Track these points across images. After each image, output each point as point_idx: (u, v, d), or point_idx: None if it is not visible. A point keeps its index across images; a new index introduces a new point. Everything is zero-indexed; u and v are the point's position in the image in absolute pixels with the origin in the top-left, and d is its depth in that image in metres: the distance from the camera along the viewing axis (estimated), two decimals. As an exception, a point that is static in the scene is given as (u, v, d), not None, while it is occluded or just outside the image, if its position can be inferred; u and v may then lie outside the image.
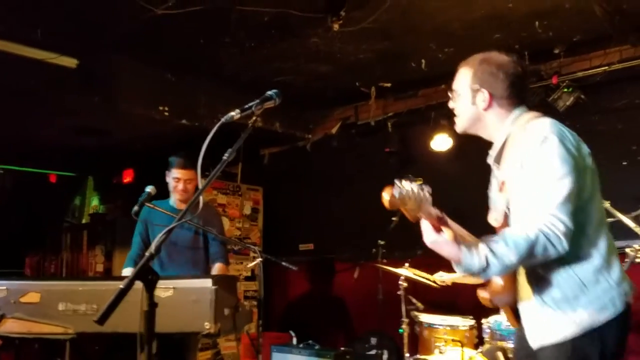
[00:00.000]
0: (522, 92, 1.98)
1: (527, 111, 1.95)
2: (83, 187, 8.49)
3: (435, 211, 1.76)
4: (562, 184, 1.71)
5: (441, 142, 5.17)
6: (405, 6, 3.84)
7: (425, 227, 1.77)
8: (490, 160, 2.04)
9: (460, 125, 2.06)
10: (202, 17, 3.95)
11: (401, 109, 5.58)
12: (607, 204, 3.37)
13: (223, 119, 1.94)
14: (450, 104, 2.09)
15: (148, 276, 1.69)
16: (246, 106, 2.01)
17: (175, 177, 3.58)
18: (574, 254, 1.74)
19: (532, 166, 1.76)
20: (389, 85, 5.38)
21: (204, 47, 4.55)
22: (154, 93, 5.01)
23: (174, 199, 3.66)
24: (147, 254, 1.69)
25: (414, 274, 4.08)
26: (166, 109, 5.06)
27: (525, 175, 1.78)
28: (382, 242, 4.71)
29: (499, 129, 1.96)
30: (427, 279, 3.94)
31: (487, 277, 1.77)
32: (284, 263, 3.45)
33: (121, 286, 1.62)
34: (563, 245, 1.65)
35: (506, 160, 1.92)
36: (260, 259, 3.28)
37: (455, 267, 1.78)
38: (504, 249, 1.66)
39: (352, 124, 5.91)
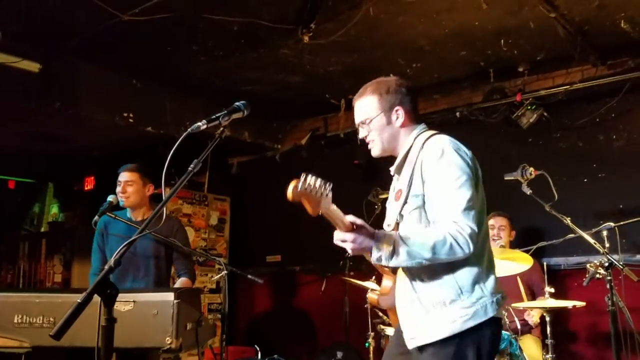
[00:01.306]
0: (418, 107, 2.15)
1: (427, 129, 2.10)
2: (42, 194, 8.26)
3: (336, 210, 1.82)
4: (463, 190, 1.85)
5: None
6: (373, 21, 3.88)
7: (338, 234, 1.83)
8: (392, 170, 2.15)
9: (378, 149, 2.10)
10: (170, 25, 3.90)
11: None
12: (567, 220, 3.44)
13: (189, 130, 1.92)
14: (361, 134, 2.13)
15: (107, 290, 1.64)
16: (213, 117, 1.99)
17: (118, 180, 3.50)
18: (459, 262, 1.86)
19: (434, 177, 1.89)
20: (358, 98, 5.41)
21: (171, 54, 4.50)
22: (119, 99, 4.92)
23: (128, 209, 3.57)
24: (106, 267, 1.64)
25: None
26: (131, 115, 4.97)
27: (428, 186, 1.91)
28: (348, 255, 4.70)
29: (405, 143, 2.07)
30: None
31: (393, 264, 1.82)
32: (249, 276, 3.40)
33: (79, 300, 1.57)
34: (469, 247, 1.78)
35: (404, 172, 2.03)
36: (225, 272, 3.24)
37: (367, 256, 1.86)
38: (416, 244, 1.78)
39: (322, 135, 5.92)
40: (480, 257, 1.92)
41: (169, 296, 2.60)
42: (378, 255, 1.79)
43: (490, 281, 1.92)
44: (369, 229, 1.80)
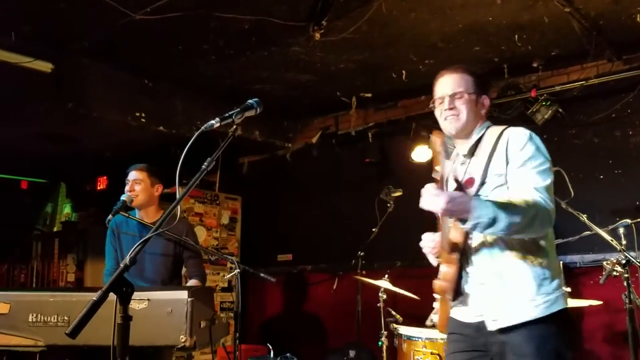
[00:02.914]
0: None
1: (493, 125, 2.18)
2: (55, 194, 8.31)
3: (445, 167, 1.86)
4: (547, 173, 1.94)
5: (421, 154, 5.18)
6: (386, 17, 3.85)
7: (432, 189, 1.83)
8: (459, 151, 2.17)
9: (461, 123, 2.10)
10: (181, 24, 3.91)
11: (381, 119, 5.59)
12: (584, 217, 3.40)
13: (203, 128, 1.91)
14: (448, 104, 2.10)
15: (122, 288, 1.64)
16: (226, 114, 1.97)
17: (128, 180, 3.51)
18: (541, 249, 1.95)
19: (522, 157, 1.94)
20: (369, 95, 5.39)
21: (182, 53, 4.50)
22: (131, 99, 4.93)
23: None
24: (121, 265, 1.64)
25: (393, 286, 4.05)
26: (143, 115, 4.99)
27: (514, 165, 1.95)
28: (361, 253, 4.68)
29: (476, 130, 2.14)
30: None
31: (489, 232, 1.84)
32: (262, 274, 3.39)
33: (94, 298, 1.56)
34: (551, 222, 1.87)
35: (478, 158, 2.07)
36: (237, 270, 3.23)
37: (459, 223, 1.86)
38: (512, 209, 1.78)
39: (333, 134, 5.90)
40: (553, 249, 2.02)
41: (183, 294, 2.59)
42: (476, 222, 1.79)
43: (562, 273, 2.03)
44: (467, 193, 1.82)
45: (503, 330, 1.92)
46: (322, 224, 5.85)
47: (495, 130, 2.08)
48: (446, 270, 1.98)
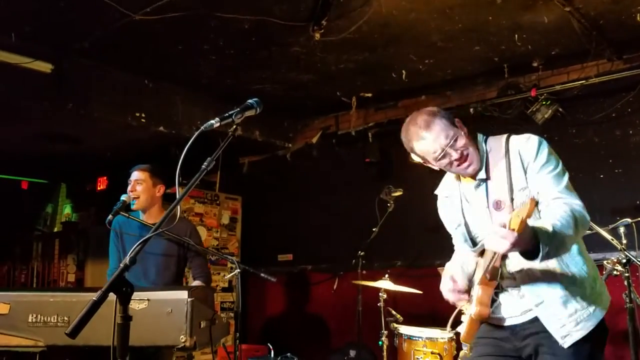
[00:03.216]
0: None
1: (485, 135, 2.15)
2: (55, 194, 8.31)
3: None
4: (564, 172, 1.96)
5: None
6: (386, 17, 3.85)
7: (502, 231, 1.72)
8: (464, 188, 2.11)
9: (477, 162, 2.03)
10: (181, 24, 3.90)
11: (382, 119, 5.59)
12: (584, 217, 3.39)
13: (203, 127, 1.90)
14: (454, 157, 2.01)
15: (122, 288, 1.63)
16: (226, 114, 1.97)
17: (130, 180, 3.50)
18: (581, 255, 1.97)
19: (539, 164, 1.94)
20: (369, 95, 5.39)
21: (182, 53, 4.49)
22: (131, 99, 4.93)
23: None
24: (121, 265, 1.63)
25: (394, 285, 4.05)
26: (143, 115, 4.99)
27: (532, 172, 1.94)
28: (361, 253, 4.68)
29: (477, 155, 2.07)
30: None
31: (557, 253, 1.82)
32: (262, 274, 3.39)
33: (94, 298, 1.56)
34: (587, 216, 1.88)
35: (497, 172, 2.01)
36: (237, 270, 3.22)
37: (523, 255, 1.79)
38: (561, 225, 1.77)
39: (333, 134, 5.90)
40: (585, 248, 2.03)
41: (183, 294, 2.59)
42: (545, 254, 1.74)
43: (598, 274, 2.03)
44: (529, 228, 1.73)
45: (572, 345, 1.91)
46: (322, 223, 5.85)
47: (497, 142, 2.04)
48: (481, 295, 1.93)
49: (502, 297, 2.02)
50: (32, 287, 7.51)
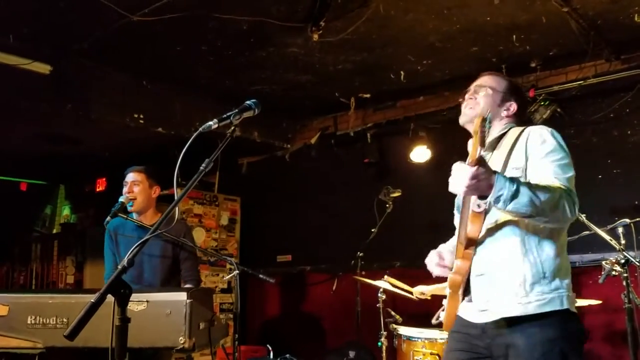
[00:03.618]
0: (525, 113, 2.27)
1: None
2: (54, 195, 8.30)
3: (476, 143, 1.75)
4: (570, 167, 1.93)
5: (420, 154, 5.19)
6: (383, 18, 3.85)
7: (459, 166, 1.76)
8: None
9: (472, 114, 2.10)
10: (179, 25, 3.90)
11: (380, 119, 5.60)
12: (582, 217, 3.40)
13: (200, 129, 1.90)
14: (469, 94, 2.17)
15: (120, 290, 1.63)
16: (224, 116, 1.97)
17: (125, 181, 3.48)
18: (548, 247, 1.92)
19: (543, 151, 1.92)
20: (368, 96, 5.40)
21: (180, 54, 4.49)
22: (129, 100, 4.93)
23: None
24: (119, 266, 1.63)
25: (393, 285, 4.05)
26: (141, 116, 4.98)
27: (535, 159, 1.93)
28: (360, 254, 4.68)
29: (496, 129, 2.12)
30: (406, 291, 3.92)
31: (511, 208, 1.74)
32: (261, 276, 3.39)
33: (92, 300, 1.56)
34: (576, 210, 1.82)
35: (498, 153, 2.06)
36: (236, 272, 3.22)
37: (477, 201, 1.81)
38: (535, 188, 1.74)
39: (331, 134, 5.90)
40: (564, 251, 1.98)
41: (182, 296, 2.58)
42: (499, 194, 1.72)
43: (569, 278, 1.96)
44: (490, 168, 1.75)
45: (509, 325, 1.89)
46: (321, 224, 5.85)
47: (518, 129, 2.08)
48: (461, 265, 1.98)
49: (471, 282, 2.01)
50: (31, 288, 7.51)
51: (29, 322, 2.70)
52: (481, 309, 1.94)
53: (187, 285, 3.45)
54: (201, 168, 1.87)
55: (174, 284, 3.48)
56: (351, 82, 5.06)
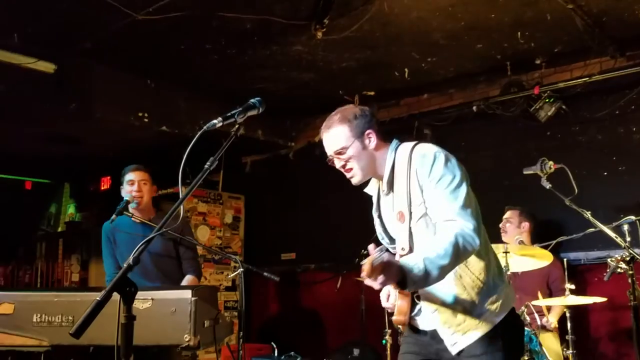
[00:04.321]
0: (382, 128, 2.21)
1: (401, 142, 2.12)
2: (59, 194, 8.33)
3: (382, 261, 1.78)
4: (459, 190, 1.92)
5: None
6: (388, 15, 3.84)
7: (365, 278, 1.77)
8: (380, 189, 2.15)
9: (359, 176, 2.11)
10: (183, 23, 3.91)
11: (384, 117, 5.58)
12: (588, 214, 3.39)
13: (205, 127, 1.89)
14: (338, 164, 2.13)
15: (126, 288, 1.64)
16: (229, 114, 1.96)
17: (130, 180, 3.47)
18: (473, 262, 1.96)
19: (431, 181, 1.94)
20: (372, 94, 5.39)
21: (184, 53, 4.50)
22: (133, 99, 4.94)
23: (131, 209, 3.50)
24: (124, 264, 1.64)
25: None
26: (145, 115, 4.99)
27: (427, 191, 1.95)
28: (364, 252, 4.66)
29: (386, 162, 2.09)
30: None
31: (428, 284, 1.84)
32: (265, 274, 3.39)
33: (98, 298, 1.57)
34: (476, 242, 1.85)
35: (399, 188, 2.04)
36: (241, 269, 3.23)
37: (401, 288, 1.84)
38: (436, 255, 1.79)
39: (335, 133, 5.88)
40: (488, 254, 2.02)
41: (187, 294, 2.60)
42: (414, 287, 1.84)
43: (502, 273, 2.07)
44: (394, 265, 1.77)
45: (460, 353, 1.97)
46: (325, 222, 5.84)
47: (404, 153, 2.04)
48: (400, 304, 2.02)
49: (422, 303, 2.06)
50: (36, 287, 7.54)
51: (34, 320, 2.72)
52: (451, 343, 1.97)
53: (189, 277, 3.46)
54: (206, 166, 1.87)
55: (176, 279, 3.48)
56: (355, 80, 5.05)
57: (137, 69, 4.83)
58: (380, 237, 2.23)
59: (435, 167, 1.94)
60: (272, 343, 5.07)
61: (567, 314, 3.63)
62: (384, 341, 4.15)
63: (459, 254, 1.82)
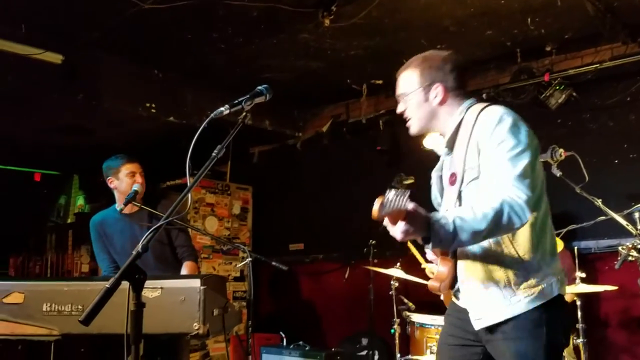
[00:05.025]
0: (466, 83, 2.07)
1: (476, 102, 2.01)
2: (68, 185, 8.37)
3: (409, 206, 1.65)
4: (521, 157, 1.77)
5: (433, 140, 5.14)
6: (396, 2, 3.81)
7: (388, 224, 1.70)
8: (441, 148, 2.08)
9: (416, 126, 2.05)
10: (190, 12, 3.89)
11: (393, 106, 5.49)
12: (598, 202, 3.36)
13: (212, 115, 1.90)
14: (399, 109, 2.09)
15: (135, 275, 1.64)
16: (236, 101, 1.97)
17: (130, 171, 3.43)
18: (523, 240, 1.83)
19: (491, 144, 1.81)
20: (380, 82, 5.35)
21: (191, 43, 4.48)
22: (141, 89, 4.94)
23: (120, 205, 3.45)
24: (134, 252, 1.64)
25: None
26: (153, 105, 4.99)
27: (484, 155, 1.83)
28: (373, 242, 4.67)
29: (451, 120, 1.99)
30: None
31: (456, 246, 1.77)
32: (273, 263, 3.39)
33: (107, 285, 1.57)
34: (526, 214, 1.70)
35: (458, 149, 1.95)
36: (249, 259, 3.23)
37: (425, 245, 1.77)
38: (472, 217, 1.68)
39: (343, 122, 5.86)
40: (543, 235, 1.87)
41: (196, 283, 2.59)
42: (438, 241, 1.69)
43: (555, 260, 1.90)
44: (421, 215, 1.65)
45: (487, 329, 1.87)
46: (333, 212, 5.83)
47: (473, 113, 1.93)
48: (440, 270, 1.96)
49: (459, 286, 1.98)
50: (46, 277, 7.59)
51: (44, 309, 2.72)
52: (475, 317, 1.89)
53: (188, 262, 3.43)
54: (213, 154, 1.87)
55: (172, 264, 3.44)
56: (363, 68, 5.02)
57: (144, 59, 4.83)
58: (433, 198, 2.14)
59: (499, 129, 1.81)
60: (281, 332, 5.08)
61: (578, 303, 3.60)
62: (392, 330, 4.14)
63: (499, 223, 1.68)
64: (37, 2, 3.81)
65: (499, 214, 1.68)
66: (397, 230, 1.66)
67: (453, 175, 1.94)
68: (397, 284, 4.18)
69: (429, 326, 3.89)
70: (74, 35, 4.31)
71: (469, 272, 1.91)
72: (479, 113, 1.90)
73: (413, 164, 5.20)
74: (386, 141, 5.49)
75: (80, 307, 2.69)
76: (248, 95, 2.00)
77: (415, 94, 2.01)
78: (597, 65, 4.31)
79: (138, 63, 4.88)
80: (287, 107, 6.00)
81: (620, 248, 3.30)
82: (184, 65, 4.97)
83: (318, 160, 6.08)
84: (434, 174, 2.14)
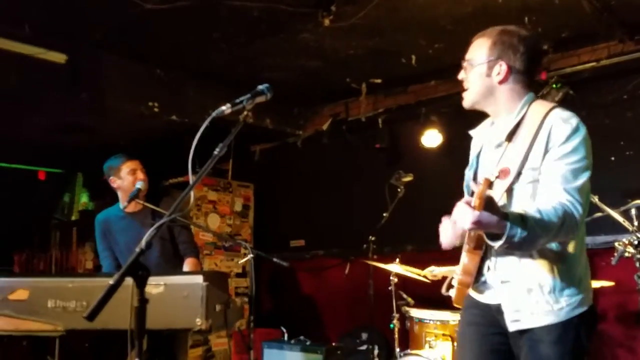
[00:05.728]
0: (536, 70, 1.97)
1: (538, 99, 1.94)
2: (72, 183, 8.41)
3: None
4: (585, 174, 1.78)
5: (431, 138, 5.19)
6: (395, 2, 3.84)
7: (462, 207, 1.65)
8: (492, 134, 1.99)
9: (469, 99, 1.99)
10: (191, 12, 3.92)
11: (391, 105, 5.59)
12: (595, 199, 3.40)
13: (214, 113, 1.93)
14: (460, 75, 2.01)
15: (138, 272, 1.68)
16: (237, 100, 2.00)
17: (131, 169, 3.47)
18: (568, 249, 1.84)
19: (562, 150, 1.78)
20: (379, 81, 5.39)
21: (192, 42, 4.52)
22: (143, 88, 4.98)
23: (124, 203, 3.49)
24: (137, 249, 1.68)
25: (404, 270, 4.09)
26: (156, 104, 5.04)
27: (551, 158, 1.79)
28: (372, 238, 4.71)
29: (511, 106, 1.92)
30: (417, 274, 3.95)
31: (519, 248, 1.74)
32: (275, 259, 3.44)
33: (111, 282, 1.61)
34: (579, 228, 1.74)
35: (519, 142, 1.86)
36: (251, 256, 3.28)
37: (491, 241, 1.70)
38: (543, 225, 1.66)
39: (343, 120, 5.91)
40: (583, 249, 1.90)
41: (199, 279, 2.64)
42: (506, 245, 1.66)
43: (589, 270, 1.93)
44: (500, 212, 1.63)
45: (522, 332, 1.86)
46: (333, 209, 5.88)
47: (540, 109, 1.85)
48: (467, 264, 1.91)
49: (489, 281, 1.94)
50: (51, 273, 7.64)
51: (49, 305, 2.76)
52: (512, 319, 1.86)
53: (190, 258, 3.48)
54: (215, 152, 1.90)
55: (174, 261, 3.48)
56: (362, 67, 5.05)
57: (147, 58, 4.86)
58: (465, 184, 2.07)
59: (573, 139, 1.77)
60: (282, 327, 5.14)
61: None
62: (392, 325, 4.19)
63: (558, 233, 1.69)
64: (41, 2, 3.85)
65: (561, 223, 1.68)
66: (467, 219, 1.60)
67: (505, 170, 1.84)
68: (396, 280, 4.23)
69: (428, 321, 3.94)
70: (78, 35, 4.35)
71: (512, 272, 1.87)
72: (548, 113, 1.83)
73: (411, 161, 5.26)
74: (385, 139, 5.53)
75: (84, 303, 2.73)
76: (249, 95, 2.02)
77: (479, 65, 1.94)
78: (594, 63, 4.34)
79: (140, 62, 4.91)
80: (287, 106, 6.04)
81: (616, 244, 3.34)
82: (186, 64, 5.01)
83: (318, 157, 6.12)
84: (473, 158, 2.07)
